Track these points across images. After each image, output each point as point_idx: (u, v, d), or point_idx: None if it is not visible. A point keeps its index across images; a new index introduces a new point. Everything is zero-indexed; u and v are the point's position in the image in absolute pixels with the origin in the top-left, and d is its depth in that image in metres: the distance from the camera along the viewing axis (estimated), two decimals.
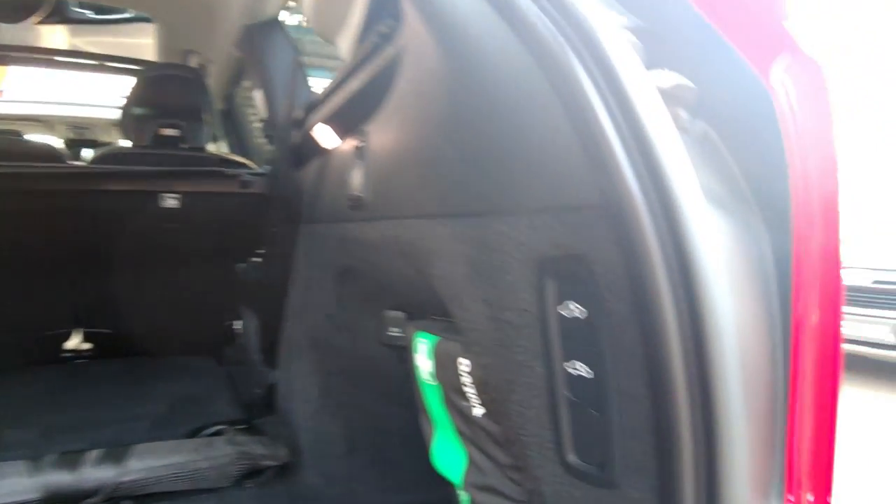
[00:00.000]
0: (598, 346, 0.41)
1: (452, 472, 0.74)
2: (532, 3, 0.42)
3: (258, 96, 2.15)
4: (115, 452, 1.04)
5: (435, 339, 0.72)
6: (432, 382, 0.73)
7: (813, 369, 0.51)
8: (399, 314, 1.03)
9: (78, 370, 1.87)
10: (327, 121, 0.95)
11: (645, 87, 0.38)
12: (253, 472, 1.12)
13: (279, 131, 1.13)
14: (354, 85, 0.81)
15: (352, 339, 1.12)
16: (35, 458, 1.02)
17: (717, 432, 0.35)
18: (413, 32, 0.60)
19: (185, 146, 1.88)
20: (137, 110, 1.87)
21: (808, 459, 0.48)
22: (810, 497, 0.48)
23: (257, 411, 1.42)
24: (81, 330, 1.99)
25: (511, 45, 0.45)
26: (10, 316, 1.73)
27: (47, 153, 1.88)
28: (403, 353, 0.95)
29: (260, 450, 1.14)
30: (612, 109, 0.37)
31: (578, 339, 0.42)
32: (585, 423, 0.43)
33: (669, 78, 0.41)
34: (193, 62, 2.68)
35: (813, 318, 0.49)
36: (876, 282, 4.05)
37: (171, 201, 1.78)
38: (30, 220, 1.59)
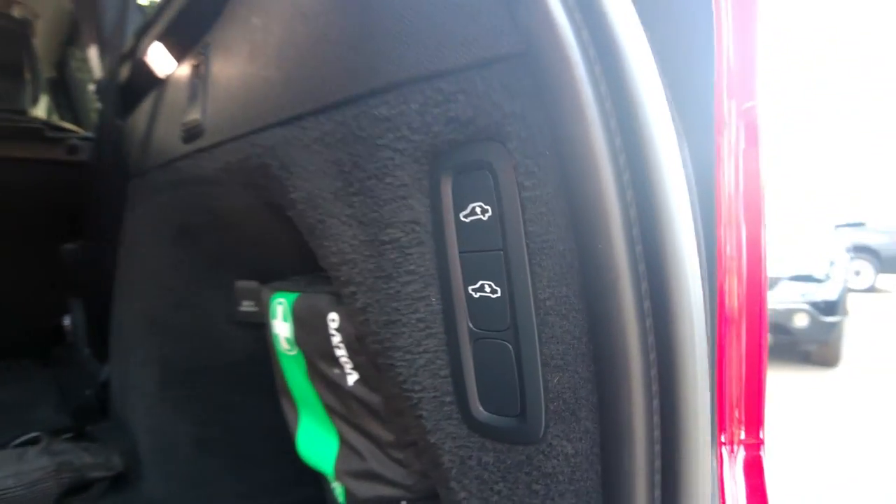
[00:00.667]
0: (508, 257, 0.30)
1: (322, 461, 0.61)
2: None
3: (91, 55, 1.85)
4: None
5: (293, 294, 0.57)
6: (292, 352, 0.59)
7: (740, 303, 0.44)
8: (252, 284, 0.87)
9: None
10: (161, 38, 0.75)
11: None
12: (79, 488, 0.90)
13: (105, 80, 0.90)
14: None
15: (196, 316, 0.93)
16: None
17: (678, 353, 0.26)
18: None
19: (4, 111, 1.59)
20: None
21: (739, 397, 0.42)
22: (742, 435, 0.42)
23: (89, 416, 1.18)
24: None
25: None
26: None
27: None
28: (260, 331, 0.79)
29: (86, 459, 0.91)
30: None
31: (484, 251, 0.31)
32: (496, 361, 0.32)
33: None
34: (17, 12, 2.29)
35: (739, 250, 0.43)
36: None
37: None
38: None
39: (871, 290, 7.62)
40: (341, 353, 0.51)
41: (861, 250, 7.12)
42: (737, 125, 0.43)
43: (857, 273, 7.45)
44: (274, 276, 0.76)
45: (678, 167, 0.26)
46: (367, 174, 0.36)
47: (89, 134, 1.69)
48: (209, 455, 0.95)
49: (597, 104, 0.26)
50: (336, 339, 0.51)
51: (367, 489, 0.56)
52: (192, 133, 0.64)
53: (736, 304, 0.41)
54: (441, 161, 0.33)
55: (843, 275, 4.51)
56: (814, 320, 4.09)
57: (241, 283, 0.87)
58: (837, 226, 5.03)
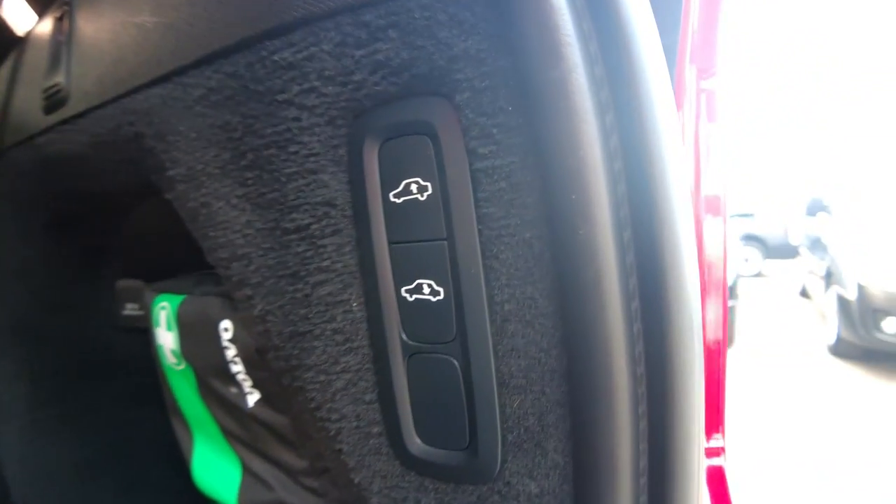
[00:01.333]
0: (453, 248, 0.23)
1: (223, 492, 0.51)
2: None
3: None
4: None
5: (179, 298, 0.47)
6: (180, 366, 0.49)
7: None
8: (136, 283, 0.75)
9: None
10: None
11: None
12: None
13: None
14: None
15: (72, 321, 0.79)
16: None
17: (674, 367, 0.20)
18: None
19: None
20: None
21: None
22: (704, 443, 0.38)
23: None
24: None
25: None
26: None
27: None
28: (147, 336, 0.68)
29: None
30: None
31: (422, 240, 0.24)
32: (437, 382, 0.25)
33: None
34: None
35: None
36: None
37: None
38: None
39: (759, 275, 8.31)
40: (237, 368, 0.42)
41: (750, 239, 7.73)
42: (697, 101, 0.39)
43: (747, 260, 8.08)
44: (162, 273, 0.65)
45: (676, 133, 0.20)
46: (265, 141, 0.28)
47: None
48: (96, 482, 0.81)
49: (580, 43, 0.20)
50: (230, 352, 0.42)
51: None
52: (54, 101, 0.52)
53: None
54: (364, 122, 0.26)
55: (735, 262, 4.83)
56: None
57: (123, 283, 0.74)
58: (729, 216, 5.41)
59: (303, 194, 0.27)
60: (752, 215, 5.95)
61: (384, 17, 0.23)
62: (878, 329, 3.69)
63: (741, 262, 7.51)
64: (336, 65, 0.25)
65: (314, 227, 0.28)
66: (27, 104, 0.63)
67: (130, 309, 0.75)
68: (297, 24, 0.26)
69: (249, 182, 0.29)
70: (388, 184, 0.25)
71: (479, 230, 0.23)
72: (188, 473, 0.60)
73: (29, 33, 0.66)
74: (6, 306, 0.83)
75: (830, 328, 4.43)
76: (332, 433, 0.29)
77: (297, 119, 0.26)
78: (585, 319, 0.20)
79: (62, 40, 0.53)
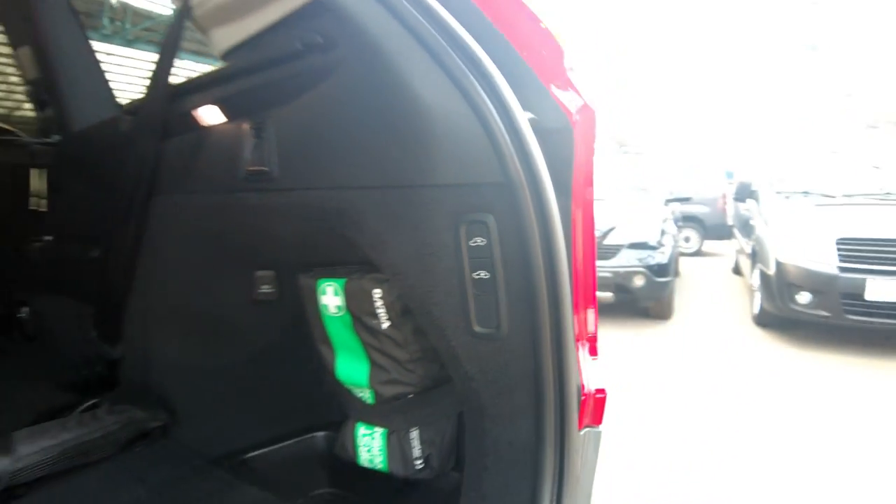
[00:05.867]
0: (492, 260, 0.73)
1: (358, 379, 1.01)
2: (457, 60, 0.70)
3: (22, 55, 1.95)
4: (3, 442, 1.03)
5: (342, 280, 0.96)
6: (339, 314, 0.98)
7: (587, 268, 0.90)
8: (269, 272, 1.22)
9: None
10: (220, 101, 1.06)
11: (524, 120, 0.70)
12: (138, 437, 1.20)
13: (149, 104, 1.15)
14: (263, 77, 0.96)
15: (214, 300, 1.25)
16: None
17: (561, 299, 0.71)
18: (355, 52, 0.81)
19: None
20: None
21: (584, 320, 0.88)
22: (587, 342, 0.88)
23: (92, 388, 1.43)
24: None
25: (433, 74, 0.72)
26: None
27: None
28: (271, 308, 1.15)
29: (141, 415, 1.22)
30: (509, 132, 0.69)
31: (481, 257, 0.74)
32: (486, 305, 0.75)
33: (528, 114, 0.73)
34: None
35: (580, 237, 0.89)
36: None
37: None
38: None
39: (698, 253, 9.11)
40: (380, 311, 0.92)
41: (689, 220, 8.49)
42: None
43: (687, 239, 8.86)
44: (288, 264, 1.12)
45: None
46: (415, 220, 0.77)
47: (52, 139, 1.82)
48: (231, 404, 1.28)
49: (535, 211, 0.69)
50: (378, 303, 0.92)
51: (389, 390, 0.98)
52: (257, 177, 0.98)
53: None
54: (460, 216, 0.74)
55: (672, 242, 5.42)
56: (649, 281, 4.92)
57: (261, 272, 1.20)
58: (667, 200, 6.04)
59: (433, 239, 0.76)
60: (689, 199, 6.60)
61: (469, 196, 0.73)
62: (793, 301, 4.29)
63: (682, 242, 8.22)
64: (452, 200, 0.73)
65: (439, 252, 0.76)
66: (219, 171, 1.08)
67: (265, 290, 1.22)
68: (433, 185, 0.75)
69: (405, 234, 0.78)
70: (468, 237, 0.74)
71: (501, 255, 0.73)
72: (289, 398, 1.06)
73: (212, 127, 1.11)
74: (168, 294, 1.28)
75: (755, 301, 5.06)
76: (444, 327, 0.79)
77: (433, 215, 0.75)
78: (533, 287, 0.70)
79: (261, 143, 0.98)
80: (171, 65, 1.09)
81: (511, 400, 0.76)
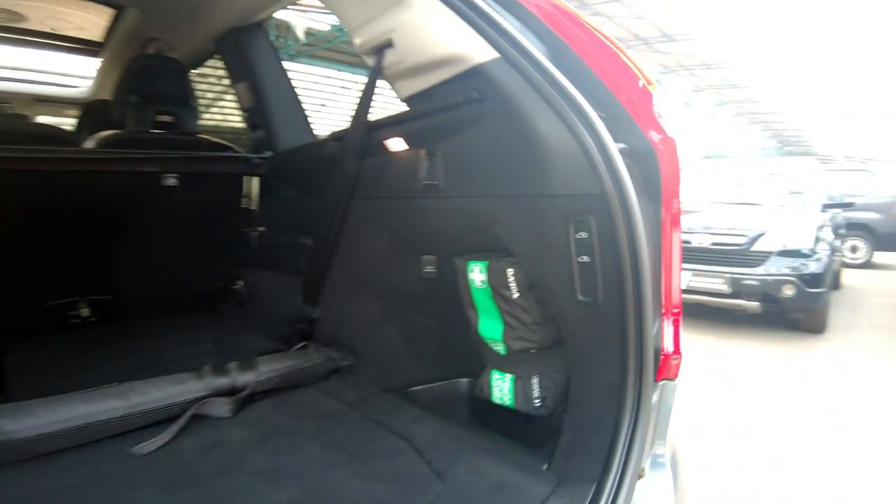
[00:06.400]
0: (592, 248, 1.03)
1: (494, 335, 1.36)
2: (566, 108, 1.02)
3: (241, 89, 2.53)
4: (250, 363, 1.54)
5: (485, 262, 1.32)
6: (483, 287, 1.34)
7: (670, 258, 1.17)
8: (433, 257, 1.61)
9: (109, 331, 2.17)
10: (404, 134, 1.48)
11: (615, 148, 1.00)
12: (334, 371, 1.67)
13: (352, 134, 1.60)
14: (435, 119, 1.35)
15: (392, 276, 1.67)
16: (195, 369, 1.48)
17: (642, 279, 0.99)
18: (499, 103, 1.14)
19: (180, 133, 2.22)
20: (133, 98, 2.15)
21: (669, 297, 1.14)
22: (671, 315, 1.14)
23: (294, 339, 1.92)
24: (86, 298, 2.24)
25: (552, 119, 1.04)
26: (27, 286, 2.03)
27: (57, 136, 2.16)
28: (434, 283, 1.54)
29: (335, 355, 1.69)
30: (603, 158, 0.99)
31: (584, 246, 1.04)
32: (587, 280, 1.05)
33: (620, 144, 1.02)
34: (152, 49, 2.89)
35: (671, 239, 1.16)
36: (714, 244, 5.08)
37: (171, 180, 2.15)
38: (41, 200, 1.88)
39: (867, 265, 8.24)
40: (512, 285, 1.26)
41: (857, 227, 7.72)
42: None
43: (854, 249, 8.07)
44: (446, 251, 1.50)
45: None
46: (537, 220, 1.09)
47: (264, 155, 2.39)
48: (402, 352, 1.69)
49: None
50: (511, 279, 1.26)
51: (518, 345, 1.32)
52: (429, 188, 1.37)
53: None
54: (569, 217, 1.05)
55: (828, 250, 5.09)
56: (800, 291, 4.68)
57: (425, 257, 1.60)
58: (825, 206, 5.62)
59: (550, 234, 1.07)
60: (852, 204, 6.06)
61: (575, 203, 1.05)
62: None
63: (847, 252, 7.53)
64: (564, 206, 1.05)
65: (553, 242, 1.07)
66: (401, 183, 1.49)
67: (428, 269, 1.62)
68: (551, 195, 1.08)
69: (530, 230, 1.11)
70: (574, 231, 1.05)
71: (598, 246, 1.02)
72: (449, 349, 1.45)
73: (398, 152, 1.53)
74: (361, 270, 1.73)
75: None
76: (557, 298, 1.10)
77: (550, 216, 1.08)
78: (621, 269, 0.99)
79: (433, 165, 1.38)
80: (368, 106, 1.52)
81: (604, 353, 1.06)
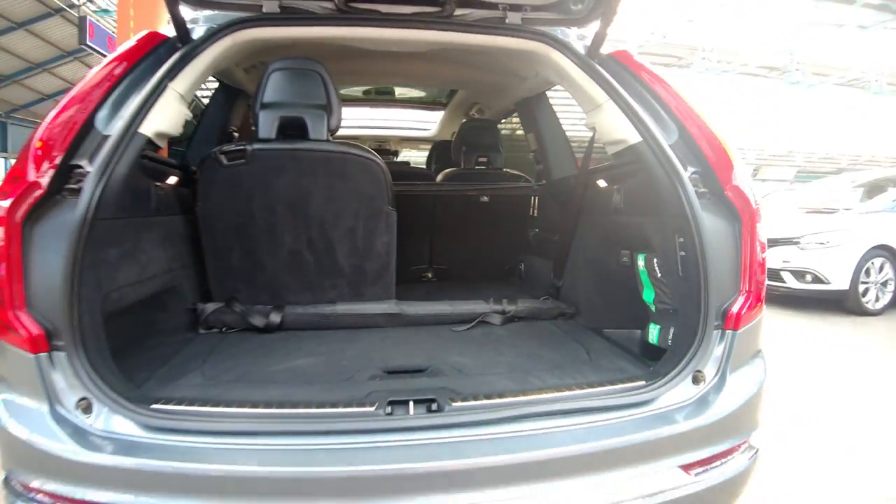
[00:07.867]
0: (686, 248, 1.85)
1: (650, 299, 2.23)
2: (671, 169, 1.85)
3: (530, 137, 3.78)
4: (515, 301, 2.69)
5: (644, 254, 2.20)
6: (645, 269, 2.22)
7: (751, 252, 1.87)
8: (627, 251, 2.52)
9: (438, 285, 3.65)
10: (606, 178, 2.47)
11: (693, 192, 1.79)
12: (561, 315, 2.73)
13: (580, 176, 2.68)
14: (619, 170, 2.29)
15: (605, 260, 2.63)
16: (486, 300, 2.73)
17: (708, 269, 1.77)
18: (644, 165, 2.06)
19: (492, 168, 3.59)
20: (464, 147, 3.57)
21: (744, 282, 1.82)
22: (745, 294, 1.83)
23: (550, 296, 3.00)
24: (432, 266, 3.79)
25: (667, 178, 1.89)
26: (402, 258, 3.34)
27: (423, 174, 3.75)
28: (626, 265, 2.45)
29: (563, 305, 2.74)
30: (685, 198, 1.80)
31: (683, 247, 1.87)
32: (684, 266, 1.87)
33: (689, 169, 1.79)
34: (474, 109, 4.55)
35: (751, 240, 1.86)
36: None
37: (485, 198, 3.48)
38: (413, 211, 3.14)
39: None
40: (657, 268, 2.13)
41: None
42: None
43: None
44: (629, 246, 2.40)
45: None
46: (661, 230, 1.96)
47: (542, 183, 3.59)
48: (600, 306, 2.66)
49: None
50: (655, 265, 2.13)
51: (661, 306, 2.17)
52: (617, 210, 2.31)
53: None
54: (677, 231, 1.89)
55: None
56: None
57: (622, 250, 2.52)
58: None
59: (668, 238, 1.93)
60: None
61: (677, 221, 1.88)
62: None
63: None
64: (671, 224, 1.90)
65: (670, 244, 1.92)
66: (603, 205, 2.47)
67: (623, 259, 2.53)
68: (660, 214, 1.93)
69: (660, 236, 1.98)
70: (678, 238, 1.89)
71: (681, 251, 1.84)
72: (627, 306, 2.35)
73: (601, 187, 2.51)
74: (584, 259, 2.75)
75: None
76: (672, 275, 1.95)
77: (665, 226, 1.93)
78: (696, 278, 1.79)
79: (619, 194, 2.32)
80: (590, 158, 2.54)
81: (690, 307, 1.85)
